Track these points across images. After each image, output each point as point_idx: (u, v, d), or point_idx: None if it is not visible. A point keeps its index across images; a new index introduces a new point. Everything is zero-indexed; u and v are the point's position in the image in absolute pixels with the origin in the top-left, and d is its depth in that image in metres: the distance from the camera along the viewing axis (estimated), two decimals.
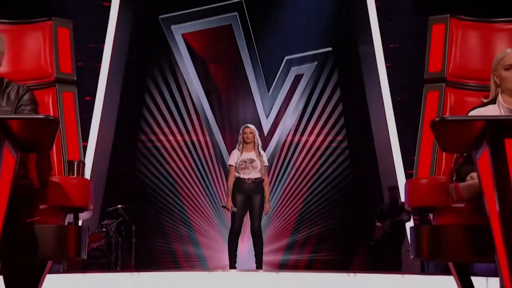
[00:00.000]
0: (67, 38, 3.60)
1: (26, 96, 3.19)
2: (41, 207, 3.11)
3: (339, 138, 10.34)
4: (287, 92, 10.53)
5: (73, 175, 3.19)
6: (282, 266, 9.84)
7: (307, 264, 9.93)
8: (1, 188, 2.63)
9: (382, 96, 10.01)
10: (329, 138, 10.35)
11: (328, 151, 10.31)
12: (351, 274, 5.62)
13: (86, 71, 9.59)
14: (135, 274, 6.11)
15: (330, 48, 10.52)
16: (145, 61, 10.52)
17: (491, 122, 2.56)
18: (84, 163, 3.24)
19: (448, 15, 3.58)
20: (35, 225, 3.04)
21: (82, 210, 3.21)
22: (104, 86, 9.99)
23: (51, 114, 3.46)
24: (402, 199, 8.80)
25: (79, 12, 9.83)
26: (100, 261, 8.51)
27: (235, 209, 6.99)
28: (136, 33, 10.46)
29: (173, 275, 5.94)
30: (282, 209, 10.13)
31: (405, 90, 9.66)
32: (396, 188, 9.12)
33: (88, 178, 8.55)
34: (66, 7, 9.77)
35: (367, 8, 10.21)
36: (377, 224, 8.91)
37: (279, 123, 10.47)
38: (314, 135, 10.38)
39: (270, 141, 10.38)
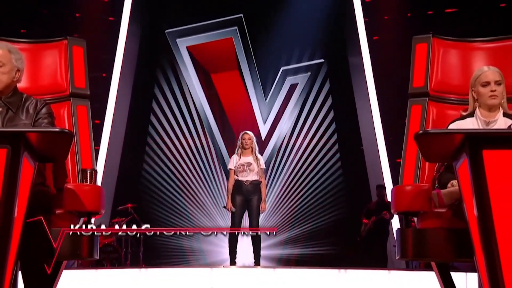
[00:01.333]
0: (81, 55, 3.61)
1: (43, 110, 3.18)
2: (57, 211, 3.12)
3: (331, 141, 10.34)
4: (283, 100, 10.54)
5: (86, 182, 3.18)
6: (279, 260, 9.84)
7: (300, 258, 9.89)
8: (21, 194, 2.63)
9: (370, 104, 10.04)
10: (322, 141, 10.35)
11: (321, 154, 10.30)
12: (342, 270, 5.62)
13: (95, 80, 9.62)
14: (143, 270, 6.09)
15: (322, 60, 10.51)
16: (153, 72, 10.51)
17: (470, 135, 2.56)
18: (96, 171, 3.23)
19: (431, 35, 3.59)
20: (51, 228, 3.04)
21: (95, 214, 3.20)
22: (115, 95, 10.02)
23: (66, 126, 3.47)
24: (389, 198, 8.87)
25: (88, 27, 9.90)
26: (111, 255, 8.51)
27: (234, 209, 6.99)
28: (144, 45, 10.50)
29: (177, 270, 5.90)
30: (278, 207, 10.13)
31: (391, 98, 9.67)
32: (383, 187, 9.11)
33: (100, 183, 8.56)
34: (78, 22, 9.83)
35: (356, 23, 10.24)
36: (364, 221, 8.90)
37: (275, 128, 10.48)
38: (307, 139, 10.38)
39: (267, 144, 10.39)
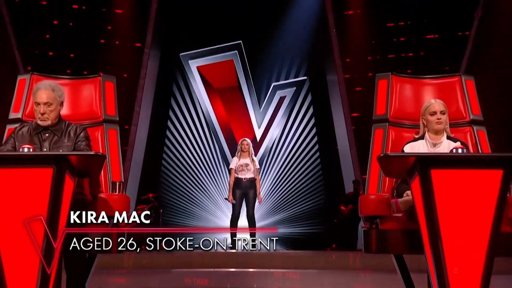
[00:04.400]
0: (111, 89, 3.60)
1: (82, 134, 3.18)
2: None
3: (312, 143, 10.29)
4: (274, 109, 10.47)
5: (115, 192, 3.17)
6: (270, 238, 9.81)
7: (289, 236, 9.84)
8: (64, 202, 2.64)
9: (343, 113, 10.06)
10: (305, 143, 10.30)
11: (304, 153, 10.27)
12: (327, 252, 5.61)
13: (123, 94, 9.64)
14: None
15: (305, 77, 10.45)
16: (170, 86, 10.44)
17: (420, 158, 2.59)
18: (123, 183, 3.23)
19: (390, 73, 3.58)
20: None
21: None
22: (140, 105, 10.02)
23: (100, 147, 3.45)
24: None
25: (120, 52, 9.89)
26: (135, 237, 8.50)
27: (234, 201, 7.00)
28: (163, 66, 10.44)
29: (185, 253, 5.88)
30: (270, 195, 10.10)
31: (360, 108, 9.70)
32: (358, 182, 9.08)
33: (128, 176, 8.51)
34: (112, 46, 9.80)
35: (332, 48, 10.23)
36: (342, 208, 8.88)
37: (268, 132, 10.41)
38: (294, 140, 10.33)
39: (261, 145, 10.34)
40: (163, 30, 10.34)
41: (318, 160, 10.22)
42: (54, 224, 2.59)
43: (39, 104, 3.09)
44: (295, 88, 10.47)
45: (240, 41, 10.41)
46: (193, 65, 10.48)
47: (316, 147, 10.28)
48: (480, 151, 3.38)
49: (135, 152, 9.88)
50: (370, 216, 3.14)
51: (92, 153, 2.76)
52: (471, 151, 3.35)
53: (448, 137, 3.24)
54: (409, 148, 3.20)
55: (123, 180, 3.29)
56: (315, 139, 10.31)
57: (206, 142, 10.31)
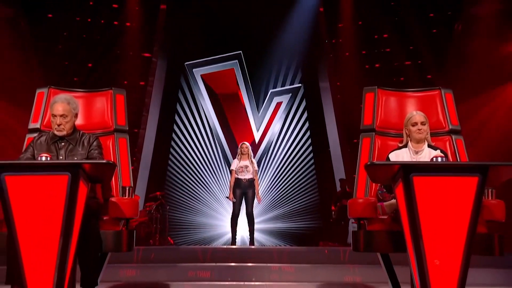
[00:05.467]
0: (122, 101, 3.60)
1: (94, 143, 3.20)
2: (104, 218, 3.15)
3: (306, 144, 10.28)
4: (271, 114, 10.46)
5: (125, 196, 3.18)
6: (269, 232, 9.86)
7: (284, 230, 9.90)
8: (78, 206, 2.66)
9: (334, 117, 10.06)
10: (300, 144, 10.29)
11: (299, 153, 10.25)
12: (320, 248, 5.61)
13: (134, 100, 9.68)
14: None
15: (300, 84, 10.45)
16: (176, 93, 10.42)
17: (403, 165, 2.60)
18: (132, 188, 3.24)
19: (376, 86, 3.59)
20: (100, 230, 3.06)
21: (131, 219, 3.20)
22: (148, 110, 10.02)
23: (111, 154, 3.46)
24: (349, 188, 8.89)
25: (131, 61, 9.91)
26: (145, 230, 8.52)
27: (234, 200, 7.01)
28: (169, 74, 10.42)
29: (189, 248, 5.89)
30: (268, 192, 10.09)
31: (349, 111, 9.71)
32: (344, 180, 9.08)
33: (138, 175, 8.48)
34: (123, 55, 9.83)
35: (325, 56, 10.24)
36: (332, 208, 8.87)
37: (266, 134, 10.41)
38: (289, 142, 10.32)
39: (260, 147, 10.33)
40: (170, 41, 10.32)
41: (312, 161, 10.22)
42: (69, 226, 2.61)
43: (55, 116, 3.12)
44: (290, 94, 10.47)
45: (240, 51, 10.42)
46: (197, 73, 10.49)
47: (310, 148, 10.27)
48: (458, 158, 3.39)
49: (143, 154, 9.88)
50: (358, 218, 3.15)
51: (104, 161, 2.77)
52: (450, 158, 3.36)
53: (429, 146, 3.26)
54: (394, 156, 3.21)
55: (132, 185, 3.30)
56: (309, 141, 10.30)
57: (209, 144, 10.31)
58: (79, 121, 3.30)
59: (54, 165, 2.63)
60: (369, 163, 2.64)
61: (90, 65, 9.59)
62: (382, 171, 2.69)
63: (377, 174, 2.77)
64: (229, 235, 7.31)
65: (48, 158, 2.70)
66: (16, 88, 7.77)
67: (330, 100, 10.14)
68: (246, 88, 10.47)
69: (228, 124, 10.44)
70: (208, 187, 10.09)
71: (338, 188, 9.29)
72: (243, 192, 7.02)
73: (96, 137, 3.24)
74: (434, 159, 2.68)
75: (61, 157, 3.12)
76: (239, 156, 7.12)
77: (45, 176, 2.57)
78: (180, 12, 10.20)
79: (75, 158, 3.10)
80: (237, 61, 10.46)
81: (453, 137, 3.50)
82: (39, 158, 2.71)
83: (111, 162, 2.70)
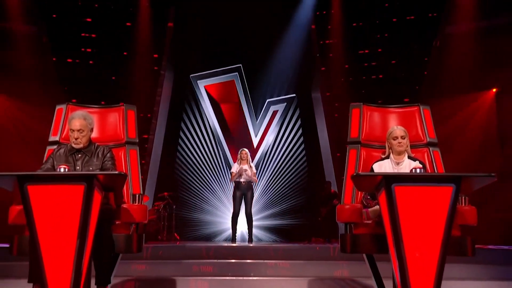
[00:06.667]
0: (133, 116, 3.61)
1: (108, 155, 3.21)
2: (116, 222, 3.15)
3: (300, 149, 10.28)
4: (268, 121, 10.46)
5: (135, 203, 3.19)
6: (267, 229, 9.86)
7: (280, 227, 9.90)
8: (93, 212, 2.66)
9: (324, 124, 10.08)
10: (294, 149, 10.29)
11: (293, 157, 10.25)
12: (313, 245, 5.60)
13: (145, 109, 9.72)
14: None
15: (294, 95, 10.46)
16: (182, 103, 10.42)
17: (385, 176, 2.62)
18: (142, 195, 3.25)
19: (361, 103, 3.60)
20: (113, 234, 3.07)
21: (141, 223, 3.21)
22: (156, 117, 10.02)
23: (123, 165, 3.46)
24: (333, 189, 8.90)
25: (142, 74, 9.93)
26: (153, 227, 8.53)
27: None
28: (176, 85, 10.44)
29: (194, 246, 5.87)
30: (265, 193, 10.10)
31: (339, 120, 9.75)
32: (329, 182, 9.10)
33: (148, 177, 8.45)
34: (136, 69, 9.86)
35: (316, 69, 10.26)
36: (322, 209, 8.86)
37: (263, 140, 10.42)
38: (284, 147, 10.31)
39: (258, 151, 10.34)
40: (176, 56, 10.35)
41: (305, 164, 10.22)
42: (85, 230, 2.62)
43: (73, 130, 3.13)
44: (285, 103, 10.48)
45: (240, 65, 10.43)
46: (201, 84, 10.49)
47: (303, 152, 10.28)
48: (435, 168, 3.40)
49: (152, 157, 9.88)
50: (346, 222, 3.16)
51: (116, 172, 2.78)
52: (428, 168, 3.37)
53: (409, 157, 3.27)
54: (377, 166, 3.22)
55: (142, 193, 3.30)
56: (302, 146, 10.30)
57: (211, 148, 10.31)
58: (94, 134, 3.31)
59: (72, 176, 2.64)
60: (355, 174, 2.66)
61: (113, 78, 9.64)
62: (367, 181, 2.72)
63: (362, 183, 2.79)
64: (230, 231, 7.33)
65: (66, 169, 2.72)
66: (36, 102, 7.81)
67: (321, 108, 10.15)
68: (245, 97, 10.47)
69: (229, 130, 10.44)
70: (211, 187, 10.09)
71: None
72: (242, 193, 7.04)
73: (109, 149, 3.26)
74: (413, 170, 2.70)
75: (78, 168, 3.13)
76: (239, 161, 7.13)
77: (64, 186, 2.58)
78: (186, 30, 10.22)
79: (91, 169, 3.11)
80: (237, 73, 10.47)
81: (431, 149, 3.51)
82: (58, 169, 2.72)
83: (122, 173, 2.71)
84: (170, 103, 10.38)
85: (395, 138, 3.22)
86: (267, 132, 10.45)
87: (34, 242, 2.56)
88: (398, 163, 3.22)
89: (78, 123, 3.12)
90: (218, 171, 10.18)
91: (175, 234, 8.72)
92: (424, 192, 2.57)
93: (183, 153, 10.25)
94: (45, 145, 3.50)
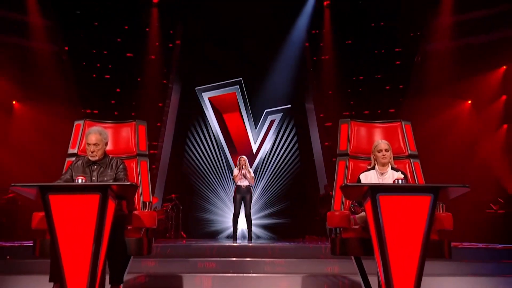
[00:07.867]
0: (143, 131, 3.62)
1: (121, 166, 3.22)
2: (128, 227, 3.15)
3: (295, 155, 10.26)
4: (266, 129, 10.45)
5: (145, 209, 3.20)
6: (263, 226, 9.85)
7: (277, 225, 9.88)
8: (107, 219, 2.67)
9: (317, 132, 10.10)
10: (289, 155, 10.27)
11: (289, 162, 10.23)
12: (307, 243, 5.57)
13: (155, 119, 9.74)
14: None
15: (290, 105, 10.46)
16: (188, 114, 10.43)
17: (371, 187, 2.63)
18: (151, 203, 3.25)
19: (349, 119, 3.61)
20: (125, 238, 3.07)
21: (151, 228, 3.21)
22: (165, 126, 10.04)
23: (134, 175, 3.46)
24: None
25: (152, 87, 9.96)
26: (162, 226, 8.53)
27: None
28: (182, 97, 10.45)
29: (199, 245, 5.86)
30: (263, 195, 10.09)
31: (330, 131, 9.77)
32: (328, 185, 9.06)
33: (157, 180, 8.42)
34: (146, 84, 9.88)
35: (310, 82, 10.28)
36: (320, 209, 8.82)
37: (262, 147, 10.40)
38: (281, 153, 10.29)
39: (256, 156, 10.32)
40: (183, 70, 10.38)
41: (299, 168, 10.21)
42: (100, 235, 2.63)
43: (90, 144, 3.15)
44: (282, 113, 10.47)
45: (241, 78, 10.43)
46: (205, 96, 10.50)
47: (298, 158, 10.27)
48: (416, 179, 3.41)
49: (161, 162, 9.89)
50: (335, 227, 3.17)
51: (128, 183, 2.80)
52: (410, 179, 3.38)
53: (393, 168, 3.28)
54: (364, 176, 3.23)
55: (151, 201, 3.31)
56: (297, 152, 10.29)
57: (215, 154, 10.31)
58: (108, 147, 3.33)
59: (88, 186, 2.67)
60: (343, 185, 2.67)
61: (118, 90, 9.66)
62: (354, 191, 2.74)
63: (350, 193, 2.80)
64: (231, 229, 7.32)
65: (83, 181, 2.74)
66: (56, 120, 7.81)
67: (314, 118, 10.18)
68: (245, 108, 10.47)
69: (231, 138, 10.44)
70: (214, 190, 10.09)
71: (322, 191, 9.28)
72: (242, 196, 7.05)
73: (122, 161, 3.27)
74: (396, 181, 2.72)
75: (93, 178, 3.15)
76: (239, 167, 7.14)
77: (81, 196, 2.61)
78: (191, 47, 10.25)
79: (105, 179, 3.12)
80: (238, 86, 10.47)
81: (412, 160, 3.51)
82: (76, 180, 2.74)
83: (134, 183, 2.73)
84: (177, 113, 10.39)
85: (380, 150, 3.24)
86: (265, 139, 10.44)
87: (54, 246, 2.58)
88: (382, 174, 3.24)
89: (94, 137, 3.14)
90: (221, 174, 10.17)
91: (182, 233, 8.72)
92: (405, 201, 2.59)
93: (189, 158, 10.25)
94: (62, 158, 3.51)
